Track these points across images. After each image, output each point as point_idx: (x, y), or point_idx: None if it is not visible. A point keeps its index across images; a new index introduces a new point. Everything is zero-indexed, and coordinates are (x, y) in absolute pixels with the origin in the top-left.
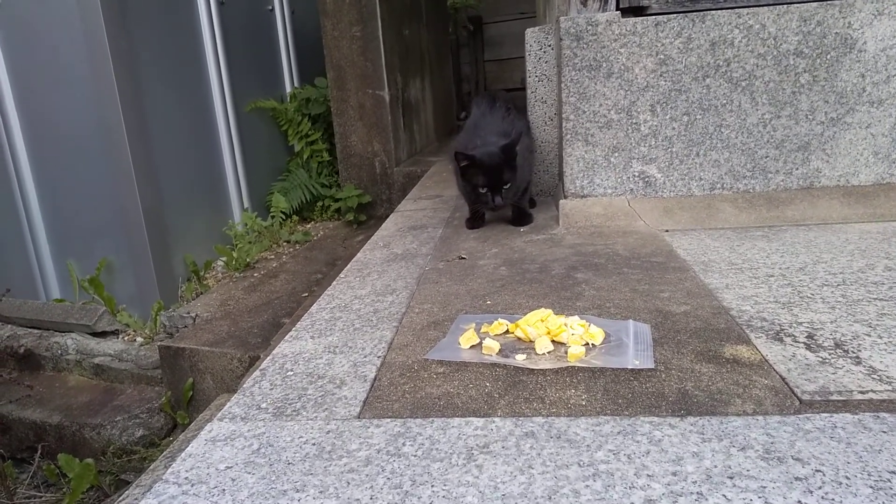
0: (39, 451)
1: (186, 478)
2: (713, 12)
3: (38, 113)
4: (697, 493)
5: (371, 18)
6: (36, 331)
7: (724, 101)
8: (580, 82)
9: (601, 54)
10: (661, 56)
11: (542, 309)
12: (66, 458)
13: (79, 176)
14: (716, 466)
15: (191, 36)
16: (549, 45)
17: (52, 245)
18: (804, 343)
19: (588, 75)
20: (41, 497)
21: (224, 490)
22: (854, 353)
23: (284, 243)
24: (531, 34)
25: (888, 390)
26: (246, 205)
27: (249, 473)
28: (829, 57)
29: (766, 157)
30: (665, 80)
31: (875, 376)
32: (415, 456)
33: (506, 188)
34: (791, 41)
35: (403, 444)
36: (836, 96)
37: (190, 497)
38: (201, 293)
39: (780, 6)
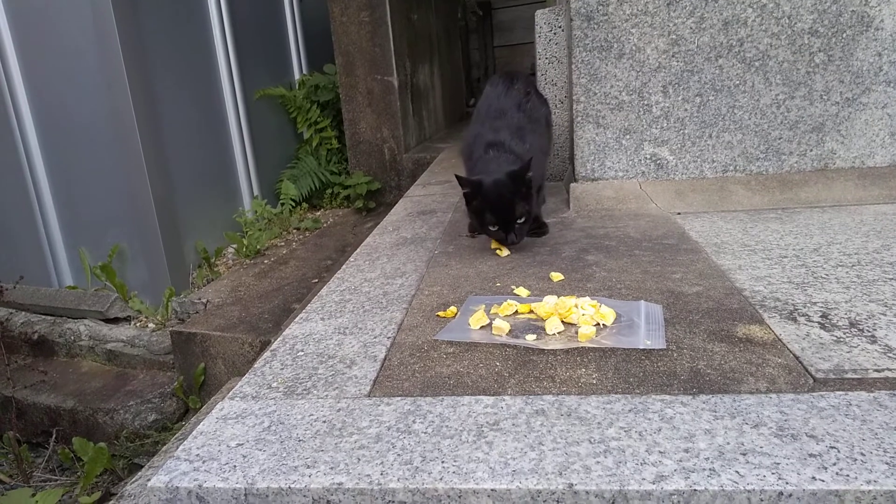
0: (54, 436)
1: (198, 454)
2: None
3: (49, 101)
4: (710, 469)
5: (379, 3)
6: (49, 317)
7: (738, 82)
8: (591, 63)
9: (612, 35)
10: (674, 36)
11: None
12: (81, 442)
13: (90, 164)
14: (728, 443)
15: (200, 23)
16: (560, 27)
17: (64, 233)
18: (818, 322)
19: (599, 56)
20: (56, 480)
21: (235, 466)
22: (869, 332)
23: (294, 230)
24: (541, 15)
25: None
26: (256, 192)
27: (260, 450)
28: (844, 36)
29: (780, 138)
30: (677, 61)
31: (891, 355)
32: (425, 433)
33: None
34: (806, 20)
35: (413, 422)
36: (852, 76)
37: (201, 473)
38: (212, 280)
39: None
